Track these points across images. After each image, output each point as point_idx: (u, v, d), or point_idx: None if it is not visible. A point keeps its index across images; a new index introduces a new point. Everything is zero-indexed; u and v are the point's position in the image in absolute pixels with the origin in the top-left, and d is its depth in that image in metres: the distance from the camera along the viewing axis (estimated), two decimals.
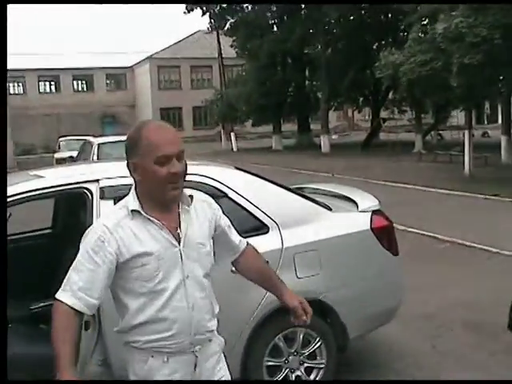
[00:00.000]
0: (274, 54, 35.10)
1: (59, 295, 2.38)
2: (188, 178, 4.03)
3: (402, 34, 28.92)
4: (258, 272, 2.85)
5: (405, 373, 4.66)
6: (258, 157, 28.73)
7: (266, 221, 4.05)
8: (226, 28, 38.29)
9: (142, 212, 2.45)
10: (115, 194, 3.68)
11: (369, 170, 19.51)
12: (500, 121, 23.45)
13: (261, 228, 4.02)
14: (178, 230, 2.50)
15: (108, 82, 56.30)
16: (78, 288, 2.37)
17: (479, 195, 13.44)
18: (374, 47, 33.05)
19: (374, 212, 4.61)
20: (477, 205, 12.67)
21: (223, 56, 40.67)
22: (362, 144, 33.52)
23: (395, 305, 4.72)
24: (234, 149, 37.22)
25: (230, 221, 2.79)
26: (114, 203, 3.69)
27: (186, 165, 2.46)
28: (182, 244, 2.49)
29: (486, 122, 47.65)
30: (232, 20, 37.46)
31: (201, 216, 2.61)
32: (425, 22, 20.56)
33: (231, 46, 38.81)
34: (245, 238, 2.90)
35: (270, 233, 4.04)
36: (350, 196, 4.89)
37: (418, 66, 16.36)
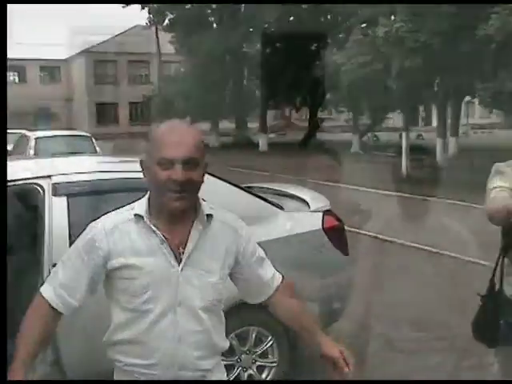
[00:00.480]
0: (213, 52, 35.00)
1: (43, 287, 2.24)
2: (140, 175, 3.99)
3: (341, 35, 29.28)
4: (292, 317, 2.44)
5: (353, 371, 4.71)
6: None
7: None
8: (164, 23, 37.94)
9: (146, 219, 2.19)
10: (68, 191, 3.59)
11: (307, 170, 19.69)
12: (436, 124, 24.10)
13: None
14: (182, 249, 2.20)
15: (41, 74, 54.91)
16: (60, 284, 2.21)
17: (417, 196, 13.73)
18: (313, 48, 33.40)
19: (326, 212, 4.66)
20: (415, 205, 12.91)
21: (162, 52, 40.32)
22: (300, 143, 33.82)
23: (345, 303, 4.77)
24: None
25: None
26: (67, 200, 3.62)
27: (202, 176, 2.19)
28: (181, 265, 2.19)
29: (420, 125, 48.85)
30: (171, 16, 37.14)
31: (218, 240, 2.28)
32: (364, 25, 20.94)
33: (170, 42, 38.50)
34: None
35: None
36: (302, 196, 4.92)
37: (359, 67, 16.67)
